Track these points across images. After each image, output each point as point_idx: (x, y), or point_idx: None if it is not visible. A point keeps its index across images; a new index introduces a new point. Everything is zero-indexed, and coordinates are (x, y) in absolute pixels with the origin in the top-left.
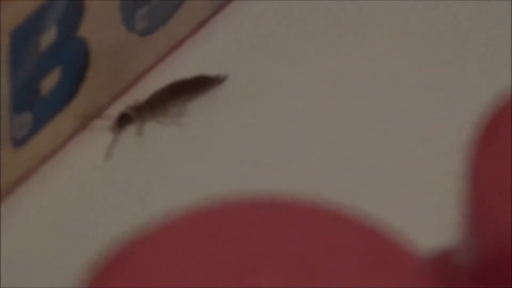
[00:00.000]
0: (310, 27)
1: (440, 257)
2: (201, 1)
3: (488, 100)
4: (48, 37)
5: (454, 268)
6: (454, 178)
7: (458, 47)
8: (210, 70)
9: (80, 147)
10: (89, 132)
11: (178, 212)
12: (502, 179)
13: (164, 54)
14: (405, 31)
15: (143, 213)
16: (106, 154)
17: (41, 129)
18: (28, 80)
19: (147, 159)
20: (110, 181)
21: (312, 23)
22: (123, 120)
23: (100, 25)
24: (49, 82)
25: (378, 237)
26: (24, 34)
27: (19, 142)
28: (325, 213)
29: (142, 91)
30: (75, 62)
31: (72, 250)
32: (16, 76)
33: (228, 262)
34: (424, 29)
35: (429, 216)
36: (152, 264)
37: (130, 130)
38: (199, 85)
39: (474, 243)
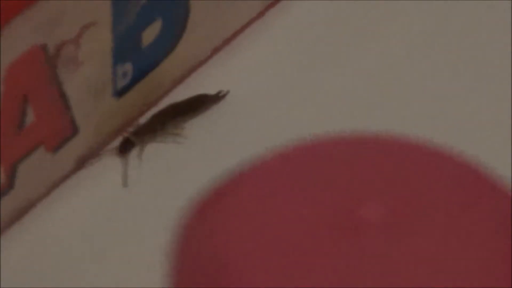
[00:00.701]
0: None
1: None
2: None
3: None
4: None
5: None
6: None
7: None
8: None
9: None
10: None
11: (286, 147)
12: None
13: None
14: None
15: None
16: (122, 181)
17: (141, 80)
18: (129, 31)
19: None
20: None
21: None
22: (126, 145)
23: None
24: (150, 33)
25: (475, 172)
26: None
27: (120, 92)
28: (422, 149)
29: (241, 47)
30: (175, 13)
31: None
32: (117, 28)
33: (334, 195)
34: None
35: None
36: (260, 196)
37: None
38: (197, 105)
39: None
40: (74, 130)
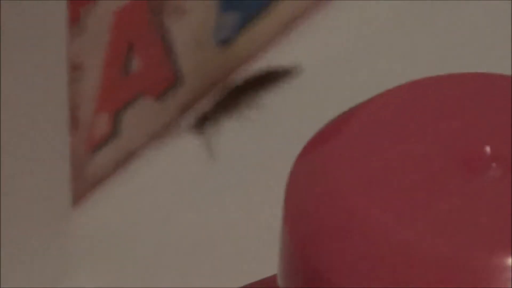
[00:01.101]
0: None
1: None
2: None
3: None
4: None
5: None
6: None
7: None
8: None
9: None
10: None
11: (400, 87)
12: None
13: None
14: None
15: None
16: (208, 154)
17: (246, 29)
18: None
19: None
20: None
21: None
22: (202, 123)
23: None
24: None
25: None
26: None
27: (224, 42)
28: None
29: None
30: None
31: None
32: None
33: (454, 132)
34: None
35: None
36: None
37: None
38: (269, 79)
39: None
40: (177, 79)
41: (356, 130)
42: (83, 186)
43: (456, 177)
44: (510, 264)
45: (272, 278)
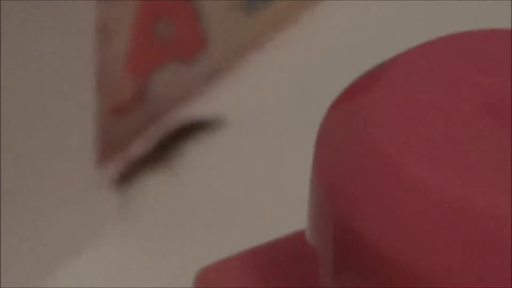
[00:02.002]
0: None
1: None
2: None
3: None
4: None
5: None
6: None
7: None
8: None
9: None
10: None
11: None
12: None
13: None
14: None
15: None
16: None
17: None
18: None
19: None
20: None
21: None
22: (123, 180)
23: None
24: None
25: None
26: None
27: (253, 9)
28: None
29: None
30: None
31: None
32: None
33: (488, 85)
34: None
35: None
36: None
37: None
38: (191, 131)
39: None
40: (206, 44)
41: (391, 81)
42: (108, 151)
43: (488, 129)
44: None
45: (300, 234)
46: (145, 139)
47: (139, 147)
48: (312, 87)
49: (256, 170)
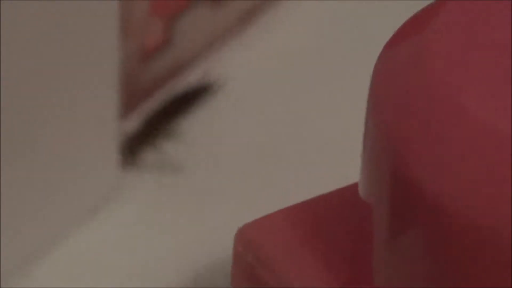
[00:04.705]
0: None
1: None
2: None
3: None
4: None
5: None
6: None
7: None
8: None
9: None
10: None
11: None
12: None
13: None
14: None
15: None
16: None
17: None
18: None
19: None
20: None
21: None
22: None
23: None
24: None
25: None
26: None
27: None
28: None
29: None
30: None
31: None
32: None
33: None
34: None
35: None
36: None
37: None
38: (188, 101)
39: None
40: None
41: (447, 20)
42: (134, 97)
43: None
44: None
45: (353, 187)
46: (165, 92)
47: (159, 101)
48: (320, 52)
49: (261, 130)
